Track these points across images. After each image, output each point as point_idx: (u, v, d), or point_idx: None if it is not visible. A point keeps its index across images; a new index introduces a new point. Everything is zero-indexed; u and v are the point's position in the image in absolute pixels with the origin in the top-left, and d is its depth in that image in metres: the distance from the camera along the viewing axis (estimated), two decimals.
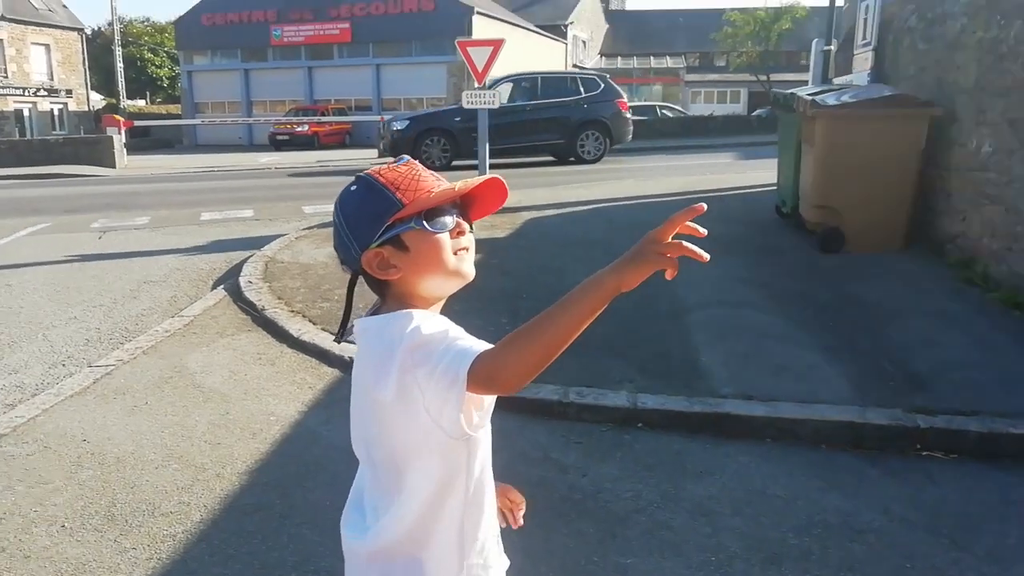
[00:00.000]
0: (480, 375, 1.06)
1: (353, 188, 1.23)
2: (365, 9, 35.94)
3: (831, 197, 6.98)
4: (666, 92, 49.53)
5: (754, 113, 33.41)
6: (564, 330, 1.03)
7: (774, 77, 42.45)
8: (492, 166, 15.49)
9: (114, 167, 21.43)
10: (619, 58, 53.08)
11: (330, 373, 4.58)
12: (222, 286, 6.50)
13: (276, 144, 31.11)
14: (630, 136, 18.57)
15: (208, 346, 5.00)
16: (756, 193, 10.50)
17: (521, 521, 1.45)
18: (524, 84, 17.89)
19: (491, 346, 1.09)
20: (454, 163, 16.64)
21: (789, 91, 8.06)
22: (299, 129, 31.34)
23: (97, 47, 50.09)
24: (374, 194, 1.20)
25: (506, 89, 17.40)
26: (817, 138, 6.94)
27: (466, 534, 1.26)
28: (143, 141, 38.14)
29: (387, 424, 1.21)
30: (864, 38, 8.96)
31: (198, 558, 2.69)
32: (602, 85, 17.92)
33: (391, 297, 1.25)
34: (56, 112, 42.15)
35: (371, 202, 1.20)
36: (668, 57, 51.62)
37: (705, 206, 1.09)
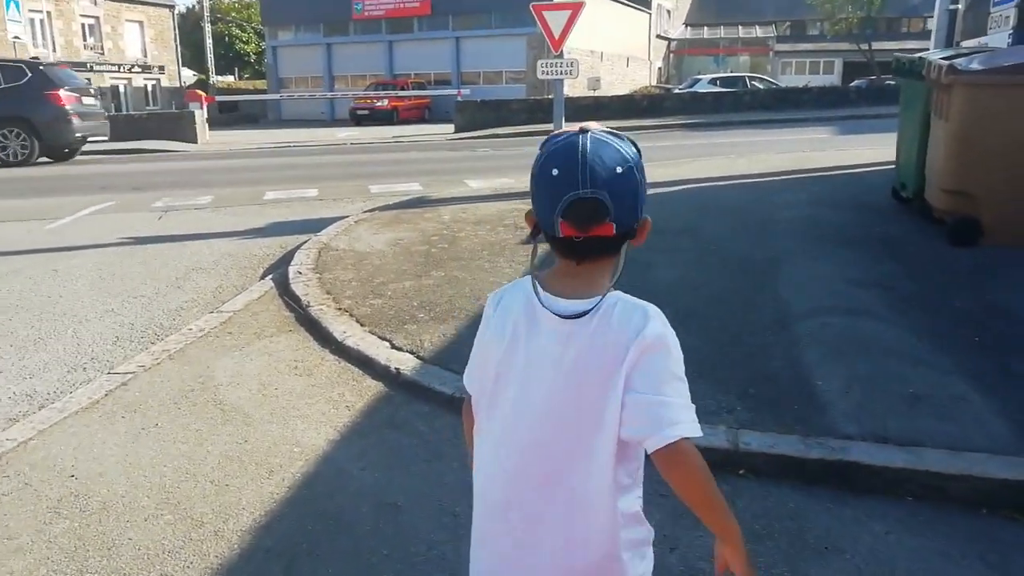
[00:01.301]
0: (669, 456, 1.17)
1: (635, 151, 1.21)
2: None
3: (967, 180, 5.90)
4: (754, 63, 47.18)
5: (853, 84, 31.21)
6: (704, 509, 1.25)
7: (876, 45, 39.73)
8: None
9: (195, 142, 21.57)
10: (705, 28, 50.92)
11: (372, 388, 3.95)
12: (271, 276, 5.97)
13: (356, 119, 31.07)
14: (74, 136, 15.54)
15: (242, 350, 4.44)
16: (865, 173, 9.35)
17: None
18: None
19: (694, 432, 1.18)
20: None
21: (916, 55, 6.94)
22: (378, 104, 31.20)
23: (188, 24, 51.23)
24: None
25: None
26: (953, 110, 5.86)
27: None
28: (231, 116, 38.95)
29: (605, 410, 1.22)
30: None
31: None
32: (29, 75, 14.86)
33: (612, 266, 1.25)
34: (150, 88, 43.35)
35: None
36: (757, 26, 49.14)
37: None
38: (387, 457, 3.25)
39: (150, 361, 4.26)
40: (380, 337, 4.49)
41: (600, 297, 1.21)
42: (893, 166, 7.97)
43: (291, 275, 5.69)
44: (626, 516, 1.30)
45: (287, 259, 6.33)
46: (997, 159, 5.76)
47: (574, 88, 32.65)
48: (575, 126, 1.21)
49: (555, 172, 1.15)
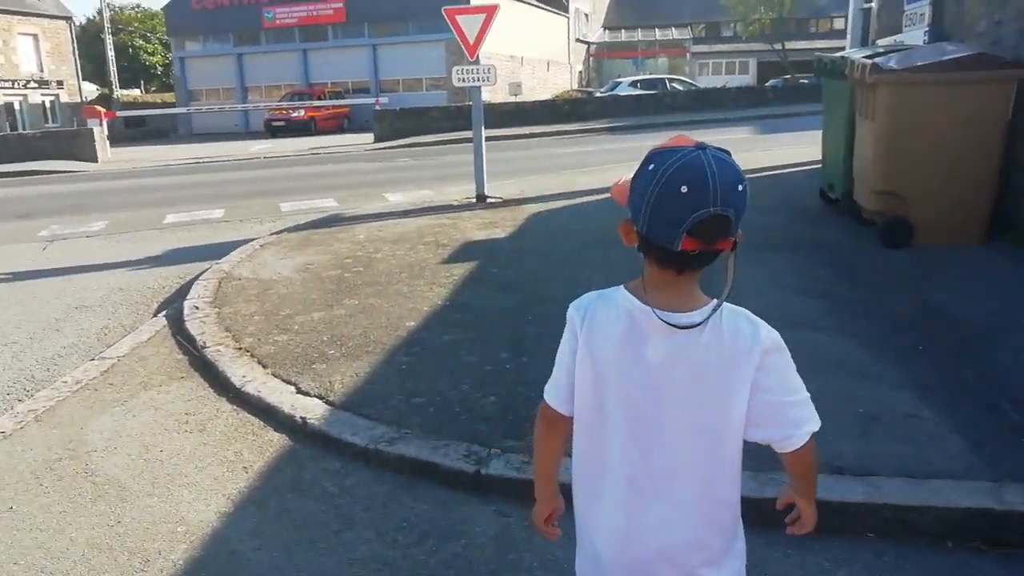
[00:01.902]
0: (800, 452, 1.35)
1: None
2: None
3: (896, 180, 5.79)
4: (672, 65, 47.97)
5: (769, 83, 31.94)
6: (809, 481, 1.46)
7: (788, 45, 40.87)
8: None
9: (95, 161, 20.32)
10: (623, 31, 51.48)
11: (275, 442, 3.47)
12: (165, 312, 5.38)
13: (272, 131, 29.96)
14: None
15: (124, 404, 3.88)
16: (790, 174, 9.30)
17: None
18: None
19: (817, 424, 1.36)
20: None
21: (838, 55, 6.84)
22: (295, 114, 30.22)
23: (88, 36, 48.81)
24: None
25: None
26: (878, 109, 5.74)
27: None
28: (138, 131, 37.17)
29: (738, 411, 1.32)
30: None
31: None
32: None
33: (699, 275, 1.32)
34: (48, 104, 41.10)
35: None
36: (673, 28, 49.96)
37: None
38: (289, 531, 2.79)
39: (12, 425, 3.66)
40: (284, 380, 4.00)
41: (712, 308, 1.29)
42: (818, 166, 7.89)
43: (186, 311, 5.12)
44: (738, 505, 1.46)
45: (184, 292, 5.74)
46: (925, 158, 5.65)
47: (495, 94, 32.37)
48: (686, 140, 1.23)
49: (684, 189, 1.18)
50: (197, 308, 5.17)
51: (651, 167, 1.22)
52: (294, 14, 36.45)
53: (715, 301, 1.30)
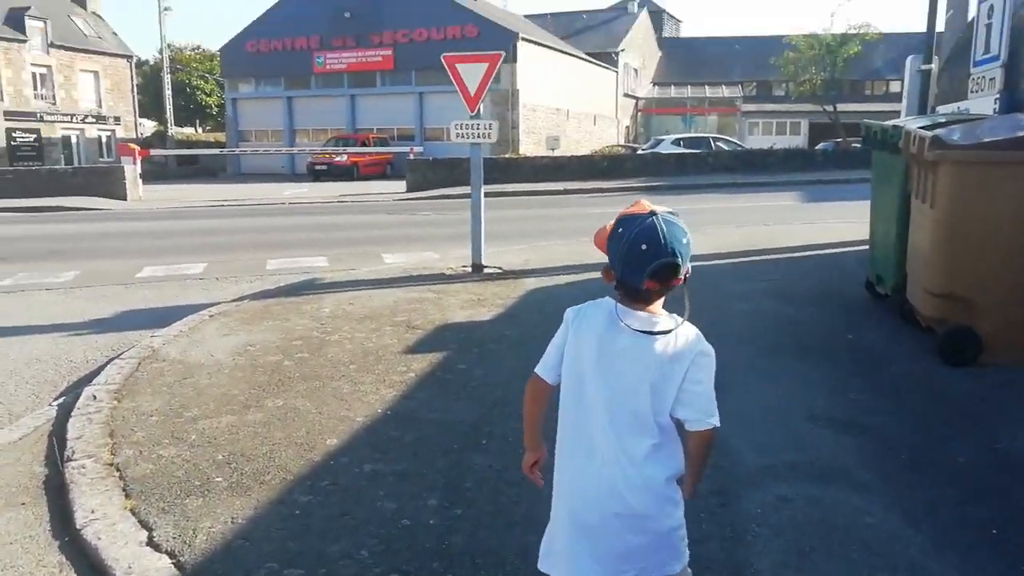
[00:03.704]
0: (707, 435, 1.78)
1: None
2: (408, 35, 34.72)
3: (960, 280, 4.69)
4: (721, 123, 47.05)
5: (818, 147, 30.74)
6: (701, 468, 1.89)
7: (840, 107, 39.64)
8: None
9: (125, 199, 20.11)
10: (672, 87, 50.86)
11: None
12: (62, 399, 4.53)
13: (315, 174, 30.01)
14: None
15: None
16: (836, 255, 8.17)
17: None
18: None
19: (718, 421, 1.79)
20: None
21: (890, 123, 5.80)
22: (338, 159, 30.16)
23: (148, 74, 50.14)
24: None
25: None
26: (940, 192, 4.68)
27: None
28: (189, 169, 37.85)
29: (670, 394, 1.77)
30: (987, 51, 6.65)
31: None
32: None
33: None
34: (104, 139, 42.12)
35: None
36: (724, 86, 49.15)
37: None
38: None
39: None
40: (141, 522, 3.07)
41: (677, 323, 1.77)
42: (867, 246, 6.80)
43: (80, 401, 4.25)
44: (672, 481, 1.86)
45: (100, 371, 4.89)
46: (996, 254, 4.57)
47: (537, 147, 31.79)
48: (644, 207, 1.72)
49: (644, 247, 1.66)
50: (95, 398, 4.30)
51: (620, 230, 1.71)
52: (344, 59, 36.76)
53: (678, 317, 1.78)
